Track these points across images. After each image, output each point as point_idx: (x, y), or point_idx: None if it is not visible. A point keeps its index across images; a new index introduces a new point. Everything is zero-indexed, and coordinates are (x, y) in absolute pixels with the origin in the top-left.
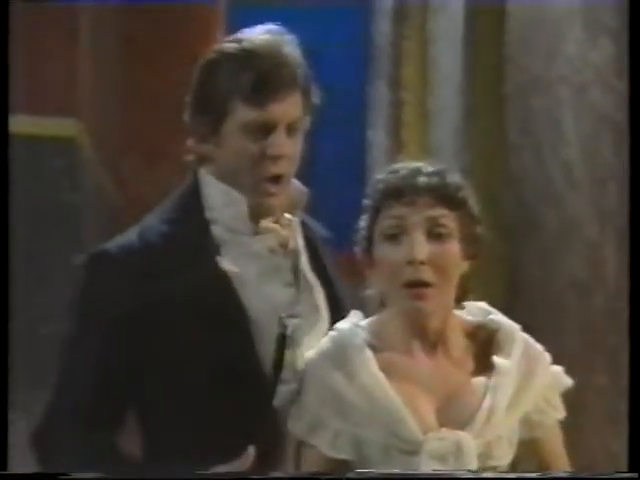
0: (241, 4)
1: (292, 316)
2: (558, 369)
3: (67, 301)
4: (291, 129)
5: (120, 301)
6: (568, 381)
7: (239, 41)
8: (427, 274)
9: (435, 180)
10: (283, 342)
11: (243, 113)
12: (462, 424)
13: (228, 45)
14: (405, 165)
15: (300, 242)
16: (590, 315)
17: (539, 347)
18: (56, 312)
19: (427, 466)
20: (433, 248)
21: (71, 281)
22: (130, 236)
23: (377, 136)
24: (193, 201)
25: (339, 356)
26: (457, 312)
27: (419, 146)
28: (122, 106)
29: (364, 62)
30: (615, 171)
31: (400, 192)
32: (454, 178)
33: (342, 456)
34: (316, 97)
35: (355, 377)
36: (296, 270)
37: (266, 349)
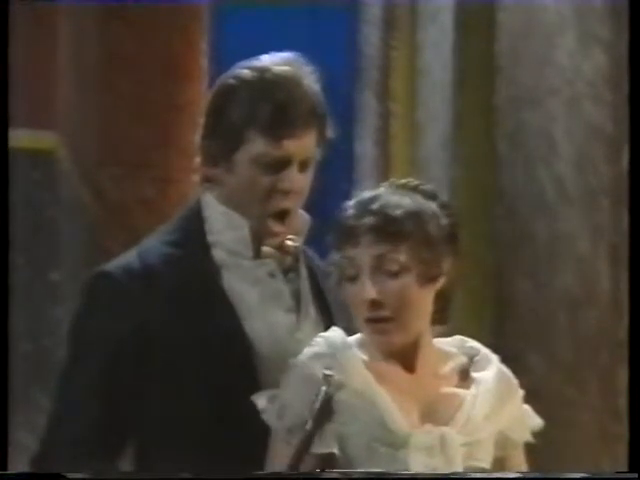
0: (227, 3)
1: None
2: (528, 407)
3: (45, 317)
4: (304, 164)
5: (120, 324)
6: (538, 421)
7: (259, 70)
8: (383, 311)
9: (374, 220)
10: (328, 400)
11: (258, 145)
12: (444, 423)
13: (247, 72)
14: (357, 201)
15: (302, 268)
16: (582, 332)
17: (515, 380)
18: (34, 328)
19: (414, 459)
20: (383, 286)
21: (49, 296)
22: (130, 257)
23: (365, 148)
24: (195, 224)
25: (327, 355)
26: (435, 341)
27: (407, 158)
28: (101, 118)
29: (351, 72)
30: (608, 185)
31: (347, 234)
32: (400, 210)
33: (327, 450)
34: (330, 131)
35: (343, 375)
36: (298, 296)
37: (266, 374)
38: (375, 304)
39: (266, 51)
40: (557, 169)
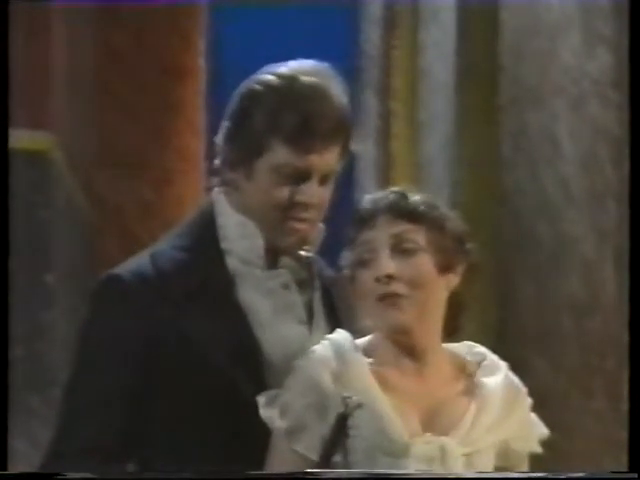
0: (225, 4)
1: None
2: (535, 417)
3: (39, 320)
4: (325, 178)
5: (132, 328)
6: (544, 430)
7: (287, 78)
8: (398, 287)
9: (392, 198)
10: (343, 423)
11: (280, 155)
12: (446, 432)
13: (274, 80)
14: (374, 194)
15: (315, 279)
16: (588, 337)
17: (523, 388)
18: (28, 332)
19: (414, 469)
20: (401, 263)
21: (44, 299)
22: (141, 262)
23: (366, 148)
24: (208, 230)
25: (332, 358)
26: (444, 346)
27: (409, 159)
28: (97, 118)
29: (352, 71)
30: (614, 187)
31: (364, 218)
32: (418, 196)
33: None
34: (355, 143)
35: (346, 380)
36: (310, 307)
37: (276, 385)
38: (391, 278)
39: (265, 50)
40: (561, 170)
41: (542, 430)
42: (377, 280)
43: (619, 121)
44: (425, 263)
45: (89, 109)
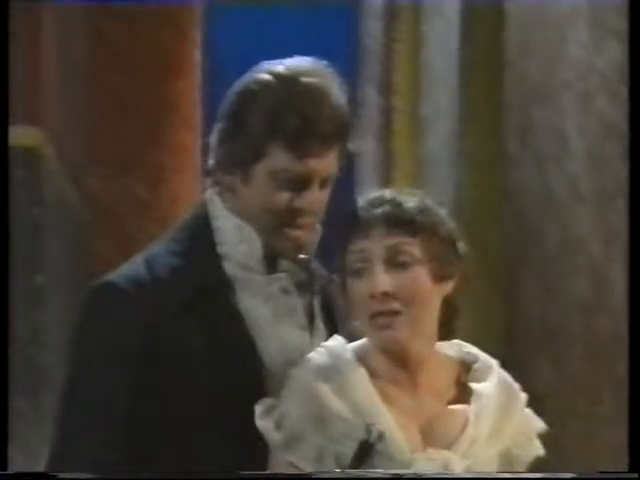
0: (221, 3)
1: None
2: (530, 412)
3: (30, 322)
4: (324, 182)
5: (129, 337)
6: (541, 424)
7: (285, 78)
8: (392, 304)
9: (388, 209)
10: (365, 450)
11: (279, 160)
12: (446, 445)
13: (271, 79)
14: (365, 197)
15: (315, 282)
16: (595, 340)
17: (516, 385)
18: (17, 334)
19: None
20: (396, 278)
21: (33, 300)
22: (136, 267)
23: (366, 145)
24: (203, 233)
25: (330, 369)
26: (436, 345)
27: (411, 156)
28: (89, 113)
29: (352, 66)
30: (622, 185)
31: (357, 226)
32: (413, 202)
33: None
34: (353, 144)
35: (346, 392)
36: (311, 311)
37: (278, 392)
38: (386, 296)
39: (263, 44)
40: (569, 168)
41: (539, 425)
42: (372, 297)
43: (628, 117)
44: (421, 276)
45: (82, 105)
